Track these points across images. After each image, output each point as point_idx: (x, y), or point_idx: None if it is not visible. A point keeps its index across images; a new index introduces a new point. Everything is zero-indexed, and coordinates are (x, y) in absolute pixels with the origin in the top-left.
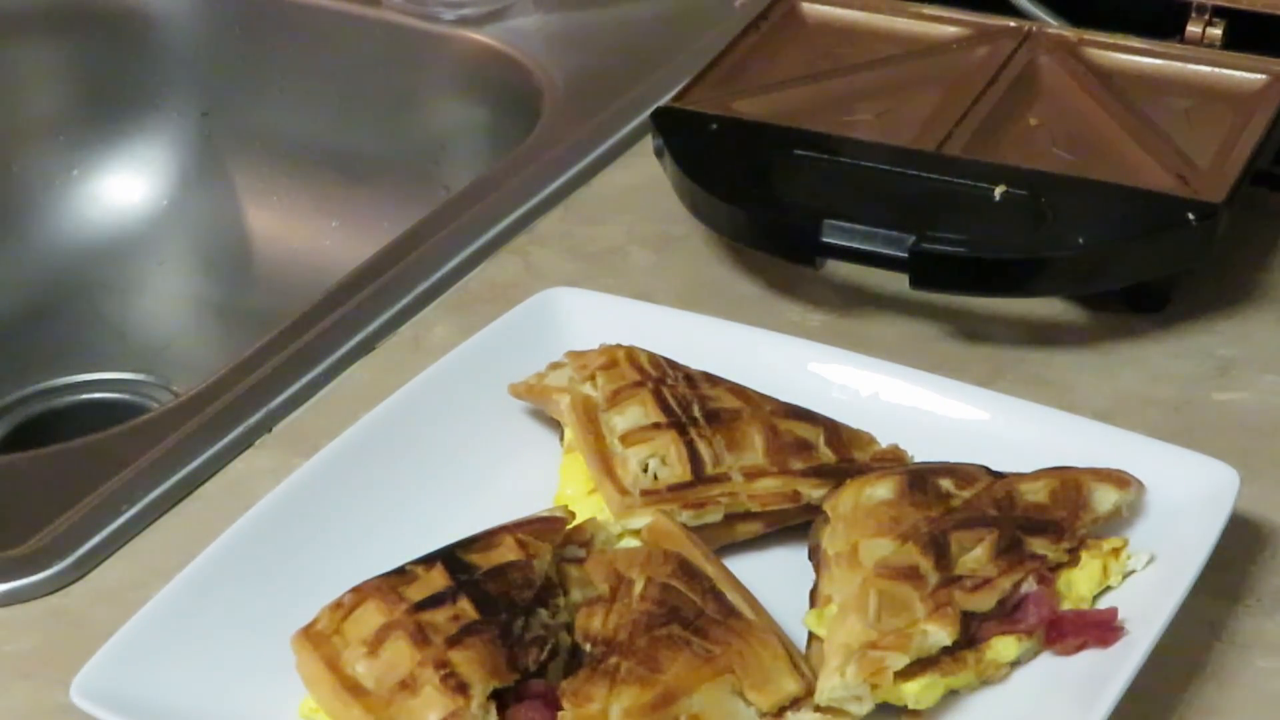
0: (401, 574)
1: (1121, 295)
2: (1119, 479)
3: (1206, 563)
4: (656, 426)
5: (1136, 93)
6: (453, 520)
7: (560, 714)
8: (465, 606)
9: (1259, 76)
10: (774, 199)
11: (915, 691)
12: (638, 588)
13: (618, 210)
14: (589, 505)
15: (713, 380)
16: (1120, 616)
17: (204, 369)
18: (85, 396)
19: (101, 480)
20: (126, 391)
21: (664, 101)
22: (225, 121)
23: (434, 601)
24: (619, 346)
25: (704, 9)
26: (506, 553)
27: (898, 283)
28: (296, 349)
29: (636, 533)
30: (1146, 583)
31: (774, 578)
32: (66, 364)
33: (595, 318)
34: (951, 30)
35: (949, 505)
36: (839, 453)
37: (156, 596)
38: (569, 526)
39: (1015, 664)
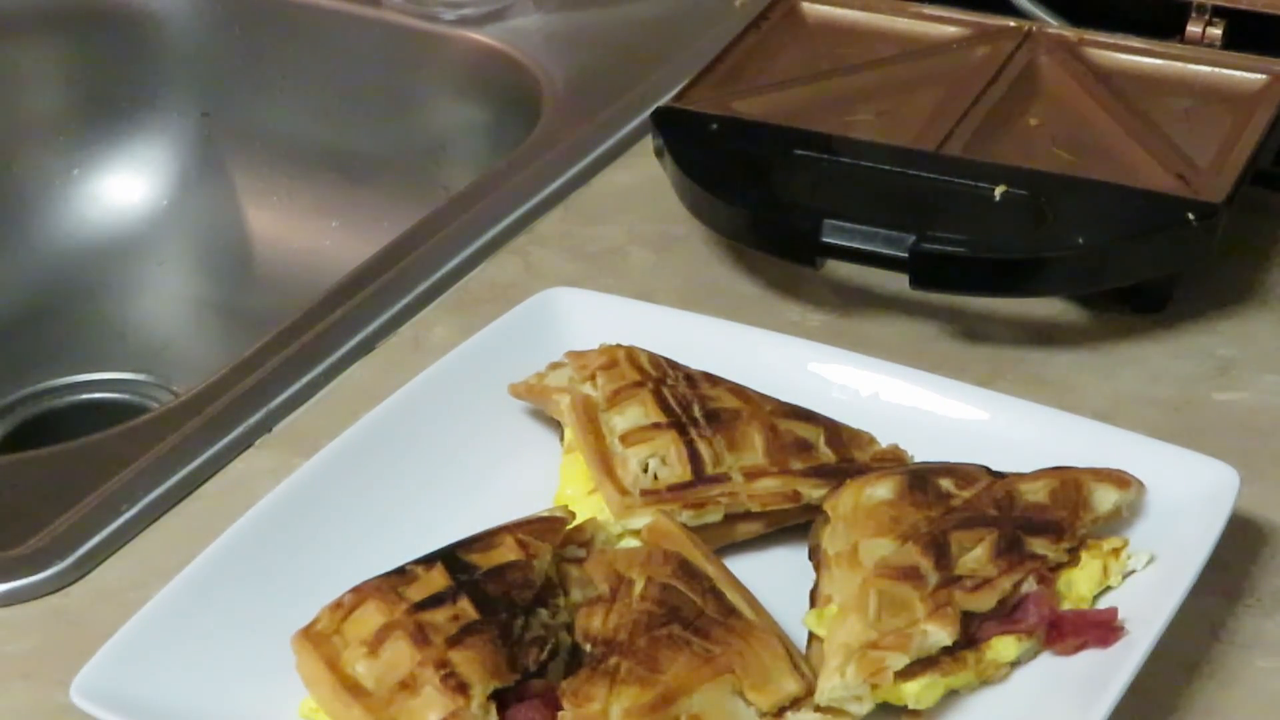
0: (401, 574)
1: (1121, 295)
2: (1119, 479)
3: (1206, 563)
4: (656, 426)
5: (1136, 93)
6: (453, 520)
7: (560, 714)
8: (465, 606)
9: (1259, 76)
10: (774, 199)
11: (915, 691)
12: (638, 588)
13: (618, 210)
14: (589, 505)
15: (713, 380)
16: (1120, 616)
17: (204, 369)
18: (85, 396)
19: (101, 480)
20: (126, 391)
21: (664, 101)
22: (225, 121)
23: (434, 601)
24: (619, 346)
25: (704, 9)
26: (506, 553)
27: (898, 283)
28: (296, 349)
29: (636, 533)
30: (1146, 583)
31: (774, 578)
32: (66, 364)
33: (595, 318)
34: (951, 30)
35: (949, 505)
36: (839, 453)
37: (156, 596)
38: (569, 526)
39: (1015, 664)
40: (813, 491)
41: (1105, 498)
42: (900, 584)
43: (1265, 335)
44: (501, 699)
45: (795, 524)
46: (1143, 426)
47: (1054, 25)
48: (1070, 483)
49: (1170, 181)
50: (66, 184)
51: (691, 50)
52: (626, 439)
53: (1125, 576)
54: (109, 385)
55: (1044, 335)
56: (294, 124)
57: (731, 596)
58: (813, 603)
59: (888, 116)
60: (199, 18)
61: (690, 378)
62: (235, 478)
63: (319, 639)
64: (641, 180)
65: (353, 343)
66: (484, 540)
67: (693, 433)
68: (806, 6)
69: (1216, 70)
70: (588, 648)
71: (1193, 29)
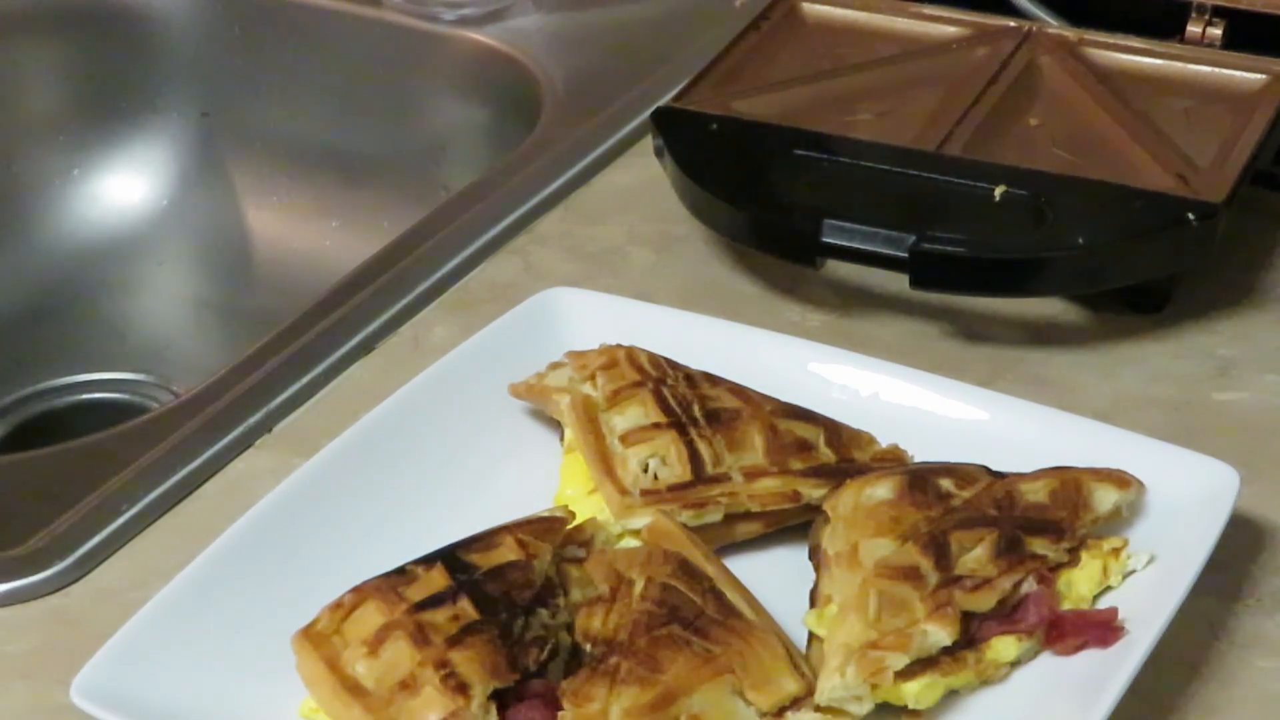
0: (401, 574)
1: (1121, 295)
2: (1119, 479)
3: (1206, 563)
4: (656, 426)
5: (1136, 93)
6: (453, 520)
7: (560, 714)
8: (465, 606)
9: (1259, 76)
10: (774, 199)
11: (915, 691)
12: (638, 588)
13: (618, 210)
14: (589, 505)
15: (713, 380)
16: (1120, 616)
17: (204, 369)
18: (85, 396)
19: (101, 480)
20: (126, 391)
21: (664, 101)
22: (225, 121)
23: (434, 601)
24: (619, 346)
25: (704, 9)
26: (506, 553)
27: (898, 283)
28: (296, 349)
29: (636, 533)
30: (1146, 583)
31: (774, 578)
32: (66, 364)
33: (595, 318)
34: (951, 30)
35: (949, 505)
36: (839, 453)
37: (156, 596)
38: (569, 526)
39: (1015, 664)
40: (813, 491)
41: (1105, 498)
42: (900, 584)
43: (1265, 335)
44: (501, 699)
45: (795, 524)
46: (1143, 426)
47: (1054, 25)
48: (1070, 483)
49: (1170, 181)
50: (66, 184)
51: (691, 50)
52: (626, 439)
53: (1125, 576)
54: (109, 385)
55: (1044, 335)
56: (294, 124)
57: (731, 596)
58: (813, 603)
59: (888, 116)
60: (199, 18)
61: (690, 378)
62: (235, 478)
63: (319, 639)
64: (641, 180)
65: (353, 343)
66: (484, 540)
67: (693, 433)
68: (806, 6)
69: (1216, 70)
70: (588, 648)
71: (1193, 29)
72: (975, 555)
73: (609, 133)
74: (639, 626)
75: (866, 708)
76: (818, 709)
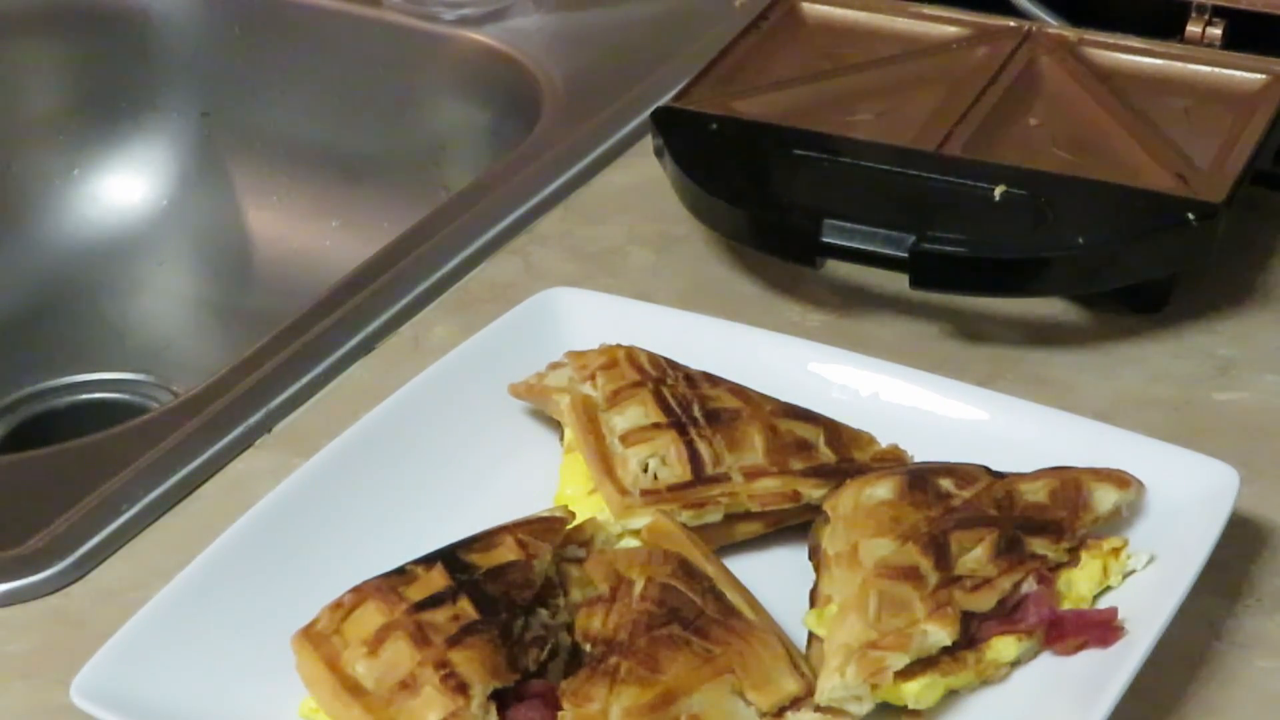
0: (401, 574)
1: (1121, 295)
2: (1119, 479)
3: (1206, 563)
4: (656, 426)
5: (1136, 93)
6: (453, 520)
7: (560, 714)
8: (465, 606)
9: (1259, 76)
10: (774, 199)
11: (915, 691)
12: (638, 588)
13: (618, 210)
14: (589, 505)
15: (713, 380)
16: (1120, 616)
17: (204, 369)
18: (85, 396)
19: (101, 480)
20: (126, 391)
21: (664, 101)
22: (225, 121)
23: (434, 601)
24: (619, 346)
25: (704, 9)
26: (506, 553)
27: (898, 283)
28: (296, 349)
29: (636, 533)
30: (1146, 583)
31: (774, 578)
32: (66, 364)
33: (595, 318)
34: (951, 30)
35: (949, 505)
36: (839, 453)
37: (156, 596)
38: (569, 526)
39: (1015, 664)
40: (813, 491)
41: (1105, 498)
42: (900, 584)
43: (1265, 335)
44: (501, 699)
45: (795, 524)
46: (1143, 426)
47: (1054, 25)
48: (1070, 483)
49: (1170, 181)
50: (66, 184)
51: (691, 50)
52: (626, 439)
53: (1125, 576)
54: (109, 385)
55: (1044, 335)
56: (294, 124)
57: (731, 596)
58: (813, 603)
59: (888, 116)
60: (199, 18)
61: (690, 378)
62: (235, 478)
63: (319, 639)
64: (641, 180)
65: (353, 343)
66: (484, 540)
67: (693, 433)
68: (806, 6)
69: (1216, 70)
70: (588, 648)
71: (1193, 29)
72: (975, 555)
73: (609, 133)
74: (639, 626)
75: (866, 708)
76: (818, 709)
